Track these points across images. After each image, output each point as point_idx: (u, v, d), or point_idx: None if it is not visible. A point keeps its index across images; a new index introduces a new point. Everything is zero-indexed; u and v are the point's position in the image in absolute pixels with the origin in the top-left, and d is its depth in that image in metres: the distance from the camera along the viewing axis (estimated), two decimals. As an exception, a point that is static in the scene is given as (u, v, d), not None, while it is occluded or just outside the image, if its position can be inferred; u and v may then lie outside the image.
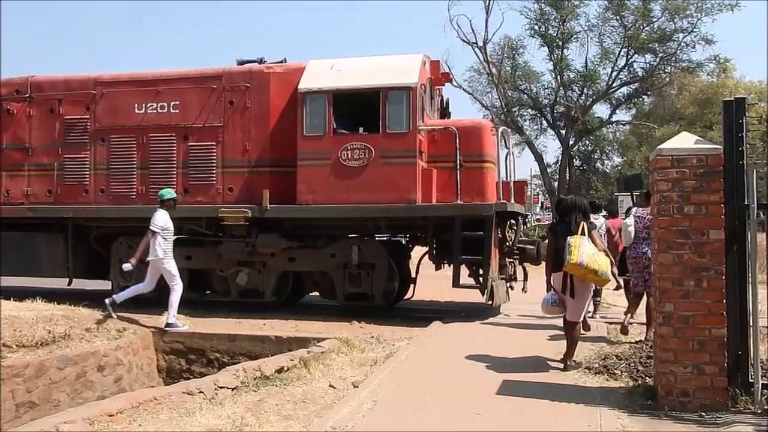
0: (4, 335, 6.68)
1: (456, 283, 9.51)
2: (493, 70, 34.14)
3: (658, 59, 33.49)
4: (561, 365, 6.55)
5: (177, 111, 10.50)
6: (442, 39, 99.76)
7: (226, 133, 10.30)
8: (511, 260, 10.36)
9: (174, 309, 8.77)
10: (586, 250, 6.26)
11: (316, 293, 10.92)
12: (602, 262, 6.32)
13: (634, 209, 8.38)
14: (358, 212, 9.63)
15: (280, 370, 6.47)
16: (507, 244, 10.06)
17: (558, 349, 7.27)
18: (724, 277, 4.98)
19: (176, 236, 9.15)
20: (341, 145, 9.59)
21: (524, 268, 10.62)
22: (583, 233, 6.42)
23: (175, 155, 10.51)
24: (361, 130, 9.95)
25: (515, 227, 10.28)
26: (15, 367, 6.30)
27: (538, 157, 37.21)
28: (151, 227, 8.71)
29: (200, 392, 5.58)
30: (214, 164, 10.34)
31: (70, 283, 11.16)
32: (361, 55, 10.36)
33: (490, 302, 9.34)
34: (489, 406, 5.20)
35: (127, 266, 8.70)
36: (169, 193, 9.07)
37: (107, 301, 8.87)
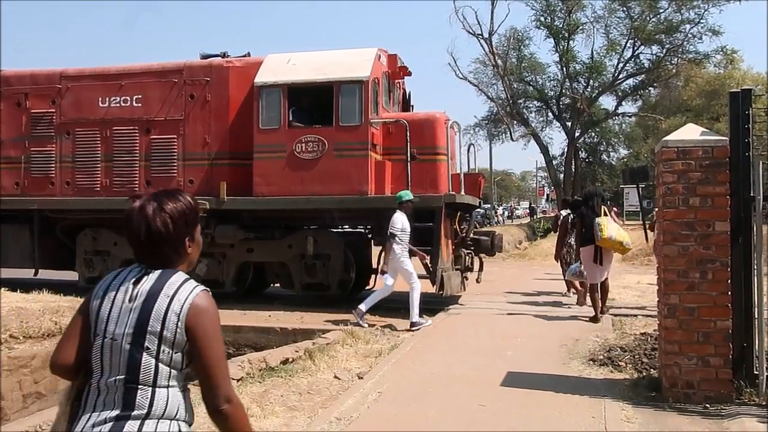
0: (11, 326, 6.71)
1: None
2: (499, 61, 33.98)
3: (664, 50, 33.31)
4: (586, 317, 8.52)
5: (139, 105, 10.63)
6: (448, 30, 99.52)
7: (187, 126, 10.43)
8: (468, 252, 10.51)
9: (416, 308, 8.38)
10: (613, 227, 8.29)
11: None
12: (625, 235, 8.39)
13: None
14: (311, 204, 9.77)
15: (285, 362, 6.50)
16: (461, 235, 10.22)
17: (563, 341, 7.29)
18: (729, 269, 4.98)
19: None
20: (296, 137, 9.72)
21: (480, 259, 10.76)
22: (605, 214, 8.37)
23: (137, 148, 10.64)
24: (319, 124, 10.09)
25: (469, 219, 10.43)
26: (22, 358, 6.33)
27: (544, 149, 37.11)
28: (390, 230, 8.45)
29: (206, 383, 5.60)
30: (175, 157, 10.48)
31: (36, 274, 11.30)
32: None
33: (440, 292, 9.41)
34: (493, 398, 5.21)
35: (388, 280, 8.51)
36: (407, 194, 8.69)
37: (355, 312, 8.49)
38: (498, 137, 41.71)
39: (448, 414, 4.84)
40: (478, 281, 10.71)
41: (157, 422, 1.85)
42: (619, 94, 36.60)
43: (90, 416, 1.87)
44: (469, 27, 33.17)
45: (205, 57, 10.79)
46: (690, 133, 5.32)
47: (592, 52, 34.69)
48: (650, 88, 37.39)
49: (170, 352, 1.88)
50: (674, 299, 5.05)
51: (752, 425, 4.44)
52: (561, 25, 33.88)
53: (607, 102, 38.64)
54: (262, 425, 4.68)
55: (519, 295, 11.22)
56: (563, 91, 35.80)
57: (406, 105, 11.46)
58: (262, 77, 9.91)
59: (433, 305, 10.10)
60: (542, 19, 34.03)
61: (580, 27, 34.11)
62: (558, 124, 37.73)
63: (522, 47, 35.95)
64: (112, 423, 1.84)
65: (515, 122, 37.10)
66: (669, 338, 5.08)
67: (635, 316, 8.82)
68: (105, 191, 10.72)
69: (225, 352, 1.96)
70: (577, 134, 36.83)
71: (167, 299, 1.88)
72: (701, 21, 31.24)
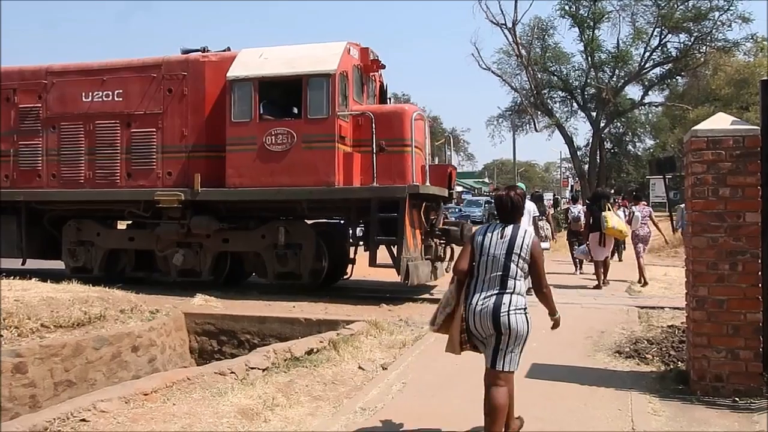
0: (42, 316, 6.85)
1: (372, 262, 9.83)
2: (523, 51, 33.68)
3: (692, 39, 32.72)
4: (597, 289, 11.07)
5: (121, 99, 10.85)
6: (471, 21, 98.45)
7: (166, 119, 10.63)
8: (441, 242, 10.65)
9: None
10: (615, 220, 11.11)
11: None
12: (623, 226, 11.32)
13: (635, 208, 12.25)
14: (281, 195, 9.96)
15: (309, 352, 6.54)
16: (426, 226, 10.30)
17: (588, 333, 7.24)
18: (760, 261, 4.89)
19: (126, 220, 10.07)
20: (266, 130, 9.88)
21: (452, 249, 10.84)
22: (609, 210, 11.09)
23: (119, 141, 10.86)
24: (292, 116, 10.19)
25: (437, 209, 10.55)
26: (53, 346, 6.46)
27: (568, 140, 36.73)
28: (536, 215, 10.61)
29: (232, 373, 5.67)
30: (155, 149, 10.69)
31: (23, 263, 11.56)
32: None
33: (406, 281, 9.47)
34: (517, 390, 5.16)
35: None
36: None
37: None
38: (522, 128, 41.45)
39: (472, 405, 4.82)
40: (447, 271, 10.76)
41: (517, 296, 3.88)
42: (646, 83, 36.07)
43: (482, 292, 3.91)
44: (492, 17, 32.94)
45: (185, 52, 10.93)
46: (720, 122, 5.23)
47: (617, 41, 34.27)
48: (677, 77, 36.77)
49: (522, 263, 3.90)
50: (703, 291, 4.99)
51: (783, 419, 4.36)
52: (586, 14, 33.44)
53: (633, 92, 38.18)
54: (287, 414, 4.73)
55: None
56: (588, 80, 35.36)
57: (383, 97, 11.60)
58: (234, 71, 10.09)
59: (403, 294, 10.18)
60: (567, 8, 33.63)
61: (606, 15, 33.63)
62: (583, 115, 37.35)
63: (546, 37, 35.61)
64: (495, 295, 3.87)
65: (539, 113, 36.80)
66: (697, 331, 5.01)
67: (662, 308, 8.73)
68: (88, 183, 10.97)
69: (544, 266, 4.05)
70: (602, 124, 36.39)
71: (521, 238, 3.91)
72: (731, 8, 30.64)
